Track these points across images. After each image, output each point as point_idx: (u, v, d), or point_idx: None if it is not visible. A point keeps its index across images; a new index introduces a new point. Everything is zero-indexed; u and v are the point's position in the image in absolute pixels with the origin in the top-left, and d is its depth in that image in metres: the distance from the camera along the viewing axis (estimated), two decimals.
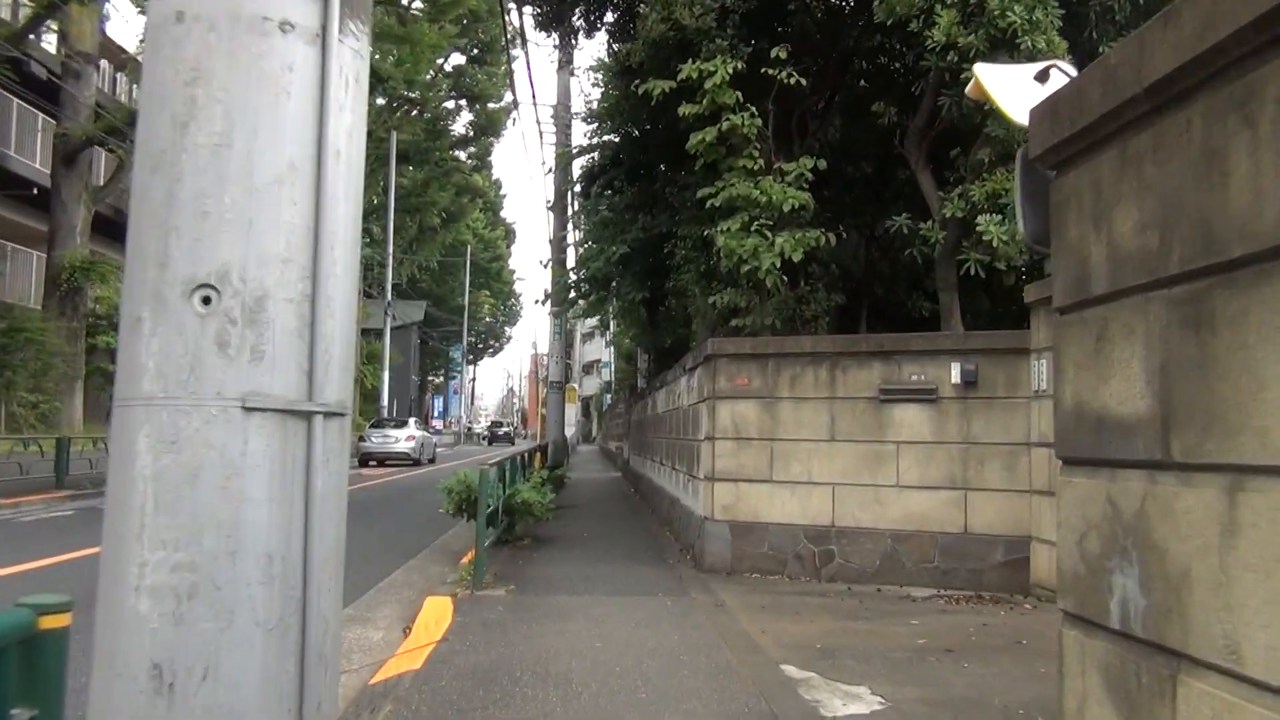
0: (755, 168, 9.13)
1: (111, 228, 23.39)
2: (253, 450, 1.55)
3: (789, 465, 7.93)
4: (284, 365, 1.59)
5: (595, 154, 17.09)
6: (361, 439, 28.37)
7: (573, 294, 16.36)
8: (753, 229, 8.82)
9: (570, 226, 17.67)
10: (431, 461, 30.51)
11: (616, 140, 16.04)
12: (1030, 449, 7.25)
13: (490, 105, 49.42)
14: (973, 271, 8.42)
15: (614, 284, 15.52)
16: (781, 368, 8.05)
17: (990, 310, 10.22)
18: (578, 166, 18.56)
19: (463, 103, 49.37)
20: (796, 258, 8.66)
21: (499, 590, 7.05)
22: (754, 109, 9.11)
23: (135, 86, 25.61)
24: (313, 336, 1.61)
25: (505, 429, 68.02)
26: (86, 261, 22.49)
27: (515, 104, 28.95)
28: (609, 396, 49.91)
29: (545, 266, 17.07)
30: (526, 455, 14.00)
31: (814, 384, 7.93)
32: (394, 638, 6.04)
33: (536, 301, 17.67)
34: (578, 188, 17.68)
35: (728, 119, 9.03)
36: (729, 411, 8.17)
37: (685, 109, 9.26)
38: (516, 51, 35.79)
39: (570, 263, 17.75)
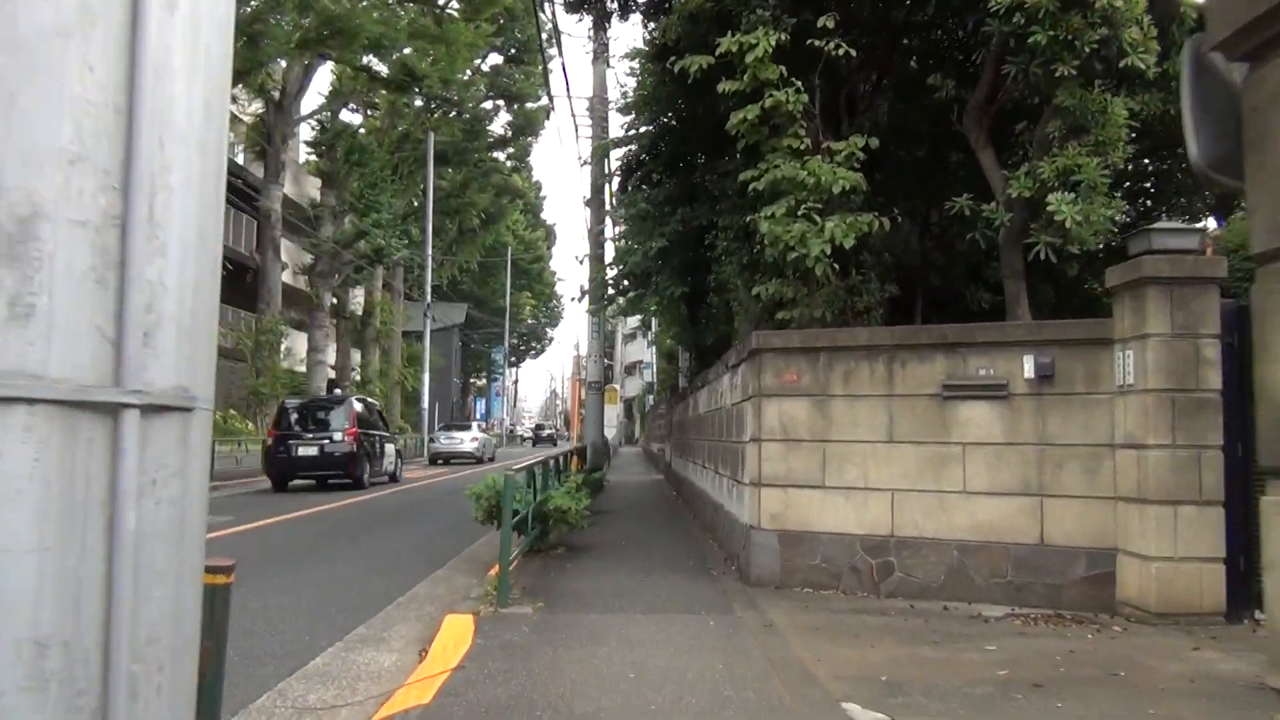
0: (801, 147, 8.45)
1: None
2: (11, 466, 0.94)
3: (843, 469, 7.24)
4: (69, 328, 0.96)
5: (633, 146, 16.48)
6: (432, 440, 34.54)
7: (611, 290, 15.75)
8: (799, 214, 8.15)
9: (608, 221, 17.07)
10: (492, 460, 34.23)
11: (654, 130, 15.43)
12: (1115, 451, 6.49)
13: (528, 105, 49.14)
14: (1042, 256, 7.67)
15: (653, 279, 14.88)
16: (834, 362, 7.36)
17: (1054, 301, 9.43)
18: (614, 159, 18.01)
19: (500, 103, 49.13)
20: (848, 244, 7.96)
21: (526, 607, 6.44)
22: (799, 84, 8.43)
23: None
24: (122, 282, 0.99)
25: (548, 431, 70.35)
26: None
27: (550, 98, 28.41)
28: (651, 397, 49.29)
29: (581, 262, 16.51)
30: (563, 458, 13.43)
31: (870, 380, 7.23)
32: (408, 661, 5.46)
33: (573, 299, 17.09)
34: (615, 182, 17.09)
35: (770, 95, 8.35)
36: (776, 411, 7.50)
37: (725, 86, 8.61)
38: (552, 52, 35.34)
39: (608, 258, 17.14)
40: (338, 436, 17.88)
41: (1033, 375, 6.75)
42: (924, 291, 10.73)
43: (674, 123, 14.90)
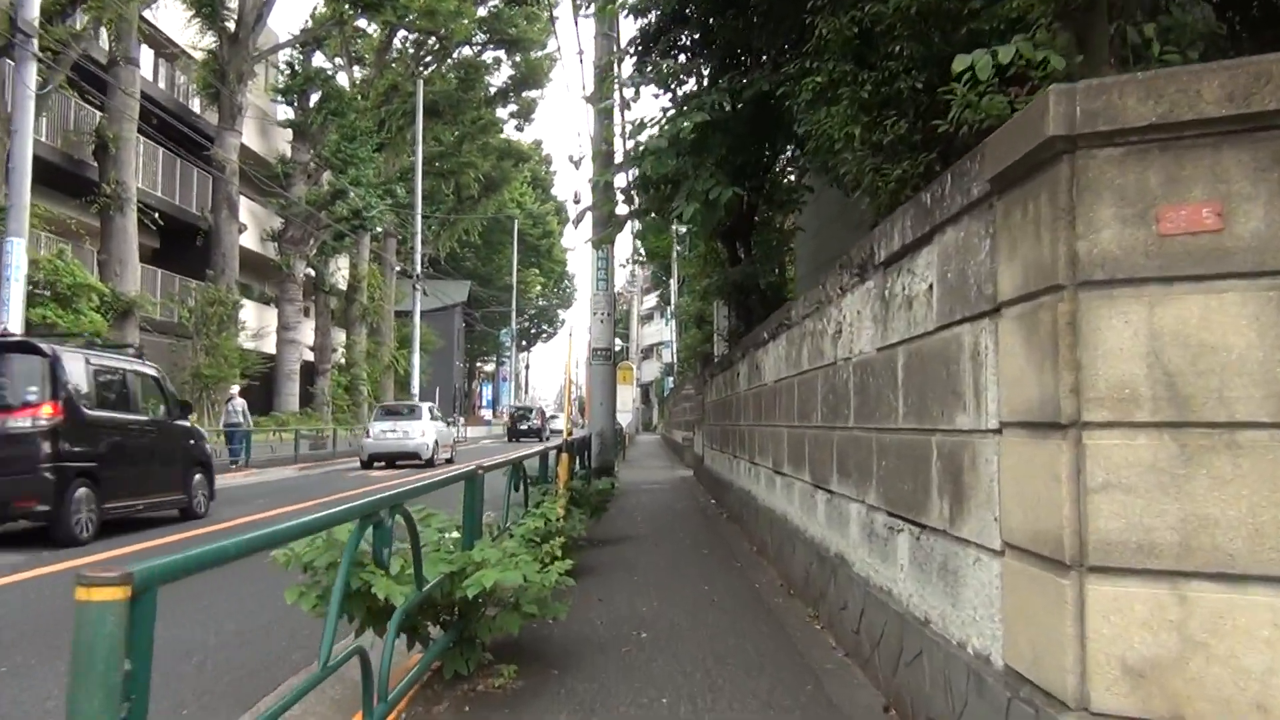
0: None
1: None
2: None
3: None
4: None
5: (653, 11, 11.26)
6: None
7: (622, 206, 10.58)
8: None
9: (617, 116, 11.80)
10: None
11: None
12: None
13: (531, 55, 43.87)
14: None
15: (684, 185, 9.67)
16: None
17: None
18: (627, 33, 12.84)
19: (500, 55, 43.85)
20: None
21: None
22: None
23: None
24: None
25: (530, 423, 51.89)
26: None
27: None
28: (671, 380, 44.08)
29: (577, 166, 11.36)
30: (549, 459, 8.27)
31: None
32: None
33: (570, 221, 11.80)
34: (627, 64, 11.91)
35: None
36: (1138, 329, 2.32)
37: None
38: None
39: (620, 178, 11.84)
40: (535, 420, 48.49)
41: None
42: None
43: None
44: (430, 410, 24.23)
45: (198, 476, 11.40)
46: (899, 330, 3.91)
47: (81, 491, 8.95)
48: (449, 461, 23.54)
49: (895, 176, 5.60)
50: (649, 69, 10.68)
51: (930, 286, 3.50)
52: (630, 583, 6.65)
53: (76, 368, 9.32)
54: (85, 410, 9.24)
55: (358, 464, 22.66)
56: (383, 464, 22.03)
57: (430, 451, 22.16)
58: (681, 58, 11.65)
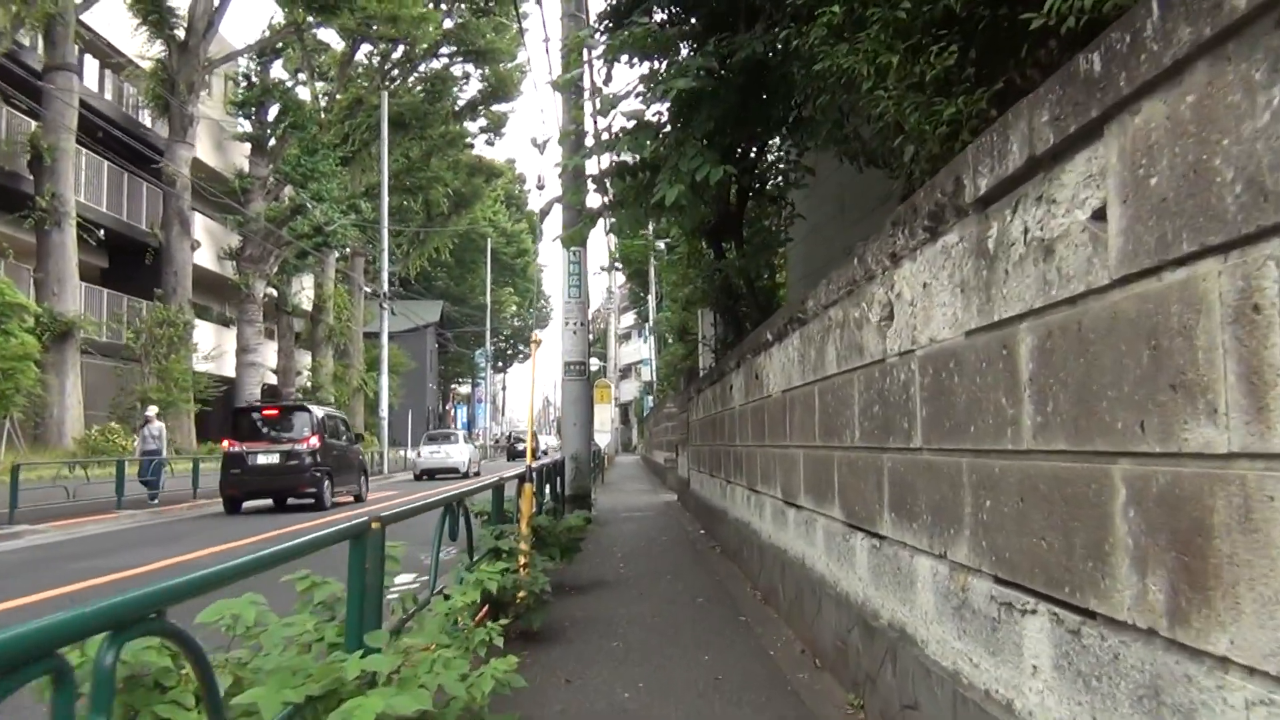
0: None
1: None
2: None
3: None
4: None
5: None
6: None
7: (593, 194, 9.16)
8: None
9: (588, 93, 10.36)
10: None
11: None
12: None
13: (501, 66, 42.43)
14: None
15: (664, 169, 8.26)
16: None
17: None
18: (596, 9, 11.41)
19: (469, 68, 42.40)
20: None
21: None
22: None
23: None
24: None
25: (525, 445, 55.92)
26: None
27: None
28: (650, 399, 42.62)
29: (542, 150, 9.75)
30: (502, 493, 6.77)
31: None
32: None
33: (537, 219, 10.40)
34: (599, 37, 10.51)
35: None
36: None
37: None
38: None
39: (593, 164, 10.36)
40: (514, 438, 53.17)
41: None
42: None
43: None
44: (463, 436, 33.89)
45: (362, 476, 18.74)
46: (1021, 297, 2.49)
47: (326, 484, 16.17)
48: (477, 474, 28.62)
49: (948, 116, 4.22)
50: (623, 37, 9.29)
51: (1097, 213, 2.08)
52: (608, 652, 5.18)
53: (321, 417, 16.86)
54: (326, 439, 16.46)
55: None
56: (428, 477, 27.92)
57: (466, 466, 28.86)
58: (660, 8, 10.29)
